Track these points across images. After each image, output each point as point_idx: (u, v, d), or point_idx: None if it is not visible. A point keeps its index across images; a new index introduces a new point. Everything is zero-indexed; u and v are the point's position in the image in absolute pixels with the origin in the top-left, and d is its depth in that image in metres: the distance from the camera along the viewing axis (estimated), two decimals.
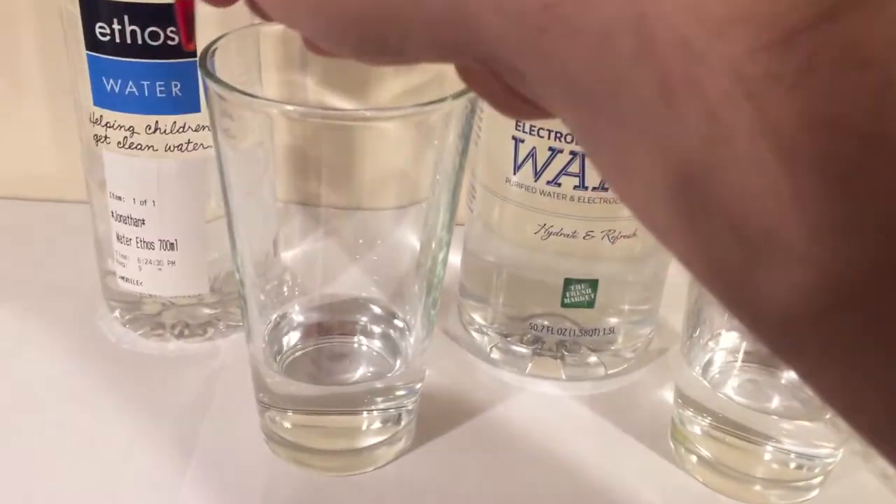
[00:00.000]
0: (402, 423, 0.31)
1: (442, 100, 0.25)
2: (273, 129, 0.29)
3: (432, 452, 0.32)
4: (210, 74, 0.25)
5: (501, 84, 0.16)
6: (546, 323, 0.35)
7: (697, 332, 0.31)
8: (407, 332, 0.31)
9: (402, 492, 0.30)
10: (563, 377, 0.36)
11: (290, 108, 0.25)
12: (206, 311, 0.36)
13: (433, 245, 0.29)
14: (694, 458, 0.32)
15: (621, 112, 0.13)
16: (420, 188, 0.29)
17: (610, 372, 0.36)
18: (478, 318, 0.37)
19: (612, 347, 0.36)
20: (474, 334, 0.37)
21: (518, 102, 0.17)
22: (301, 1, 0.16)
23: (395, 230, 0.30)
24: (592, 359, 0.36)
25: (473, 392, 0.35)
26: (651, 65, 0.12)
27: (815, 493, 0.31)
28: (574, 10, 0.12)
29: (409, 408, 0.31)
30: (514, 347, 0.36)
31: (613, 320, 0.35)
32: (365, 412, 0.30)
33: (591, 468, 0.32)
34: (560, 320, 0.35)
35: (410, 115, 0.26)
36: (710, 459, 0.31)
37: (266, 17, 0.18)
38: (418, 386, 0.31)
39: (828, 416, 0.31)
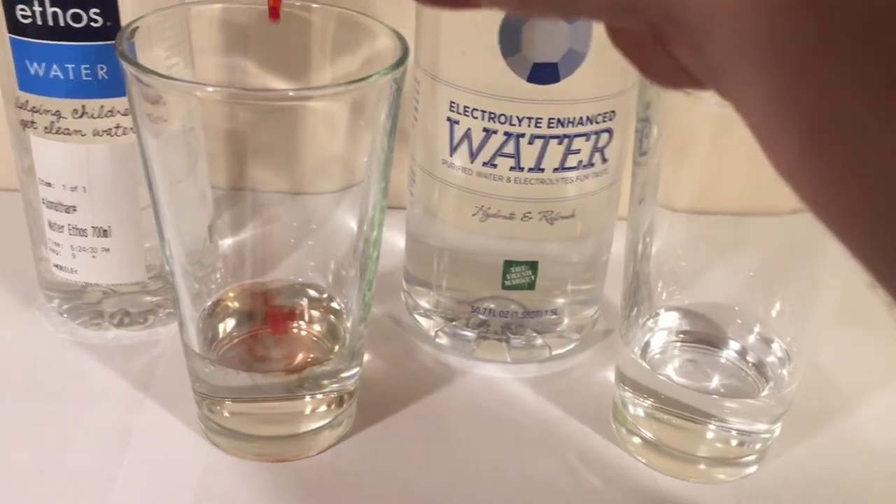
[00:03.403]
0: (343, 407, 0.31)
1: (367, 77, 0.25)
2: (204, 114, 0.29)
3: (373, 437, 0.32)
4: (125, 56, 0.24)
5: (662, 50, 0.16)
6: (491, 306, 0.35)
7: (635, 312, 0.31)
8: (345, 316, 0.31)
9: (342, 477, 0.30)
10: (509, 360, 0.36)
11: (210, 89, 0.25)
12: (149, 298, 0.36)
13: (365, 227, 0.29)
14: (636, 440, 0.32)
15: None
16: (353, 170, 0.28)
17: (555, 353, 0.36)
18: (422, 302, 0.36)
19: (557, 329, 0.36)
20: (420, 319, 0.37)
21: (673, 71, 0.16)
22: None
23: (331, 213, 0.30)
24: (538, 341, 0.36)
25: (417, 376, 0.35)
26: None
27: (754, 468, 0.31)
28: None
29: (350, 390, 0.31)
30: (460, 331, 0.36)
31: (557, 301, 0.35)
32: (304, 397, 0.30)
33: (533, 450, 0.32)
34: (505, 303, 0.35)
35: (337, 94, 0.25)
36: (653, 440, 0.31)
37: None
38: (357, 370, 0.31)
39: (765, 394, 0.31)
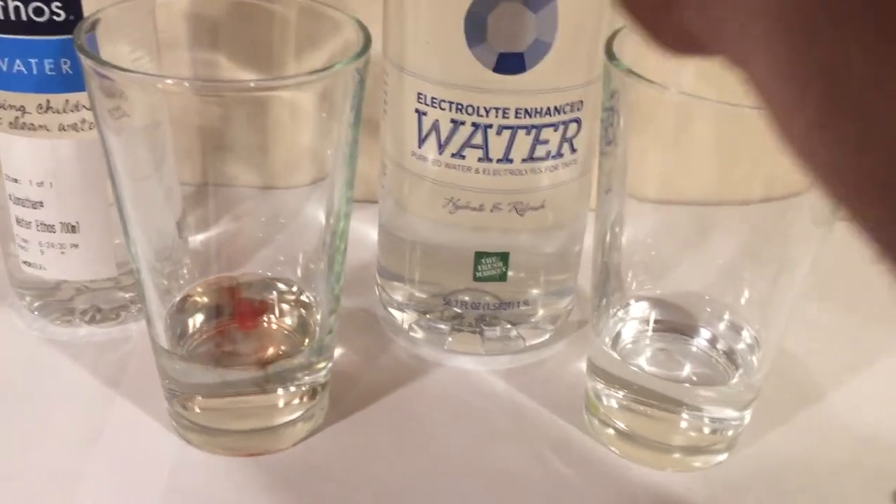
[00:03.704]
0: (315, 400, 0.31)
1: (329, 67, 0.25)
2: (169, 108, 0.28)
3: (346, 430, 0.32)
4: (83, 49, 0.24)
5: (672, 14, 0.15)
6: (465, 298, 0.35)
7: (604, 303, 0.31)
8: (314, 309, 0.31)
9: (314, 471, 0.30)
10: (483, 352, 0.36)
11: (169, 81, 0.25)
12: (122, 294, 0.35)
13: (332, 220, 0.29)
14: (610, 431, 0.32)
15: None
16: (318, 163, 0.28)
17: (529, 344, 0.36)
18: (396, 296, 0.36)
19: (532, 320, 0.36)
20: (394, 312, 0.36)
21: (682, 36, 0.16)
22: None
23: (298, 207, 0.30)
24: (512, 332, 0.36)
25: (391, 369, 0.35)
26: None
27: (726, 455, 0.31)
28: None
29: (321, 384, 0.31)
30: (433, 324, 0.36)
31: (531, 292, 0.35)
32: (274, 391, 0.30)
33: (506, 442, 0.32)
34: (479, 295, 0.35)
35: (298, 85, 0.25)
36: (626, 431, 0.31)
37: None
38: (327, 363, 0.31)
39: (735, 381, 0.31)
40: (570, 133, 0.31)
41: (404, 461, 0.31)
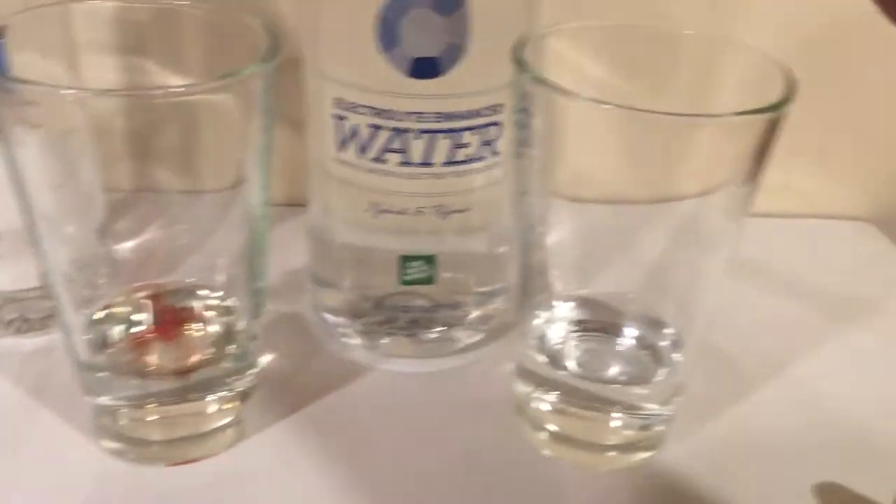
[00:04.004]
0: (242, 407, 0.31)
1: (236, 73, 0.25)
2: (85, 116, 0.28)
3: (275, 437, 0.32)
4: None
5: None
6: (398, 301, 0.35)
7: (529, 305, 0.31)
8: (238, 316, 0.31)
9: (242, 477, 0.30)
10: (416, 355, 0.36)
11: (73, 91, 0.24)
12: (48, 303, 0.35)
13: (252, 225, 0.29)
14: (540, 432, 0.32)
15: None
16: (233, 168, 0.28)
17: (462, 346, 0.36)
18: (327, 300, 0.36)
19: (465, 321, 0.36)
20: (326, 317, 0.36)
21: None
22: None
23: (217, 212, 0.30)
24: (445, 334, 0.36)
25: (323, 374, 0.35)
26: None
27: (653, 453, 0.32)
28: None
29: (248, 390, 0.31)
30: (366, 328, 0.35)
31: (463, 294, 0.35)
32: (198, 400, 0.30)
33: (437, 446, 0.32)
34: (412, 297, 0.35)
35: (207, 91, 0.25)
36: (556, 432, 0.31)
37: None
38: (254, 369, 0.31)
39: (660, 378, 0.31)
40: (490, 136, 0.31)
41: (334, 466, 0.31)
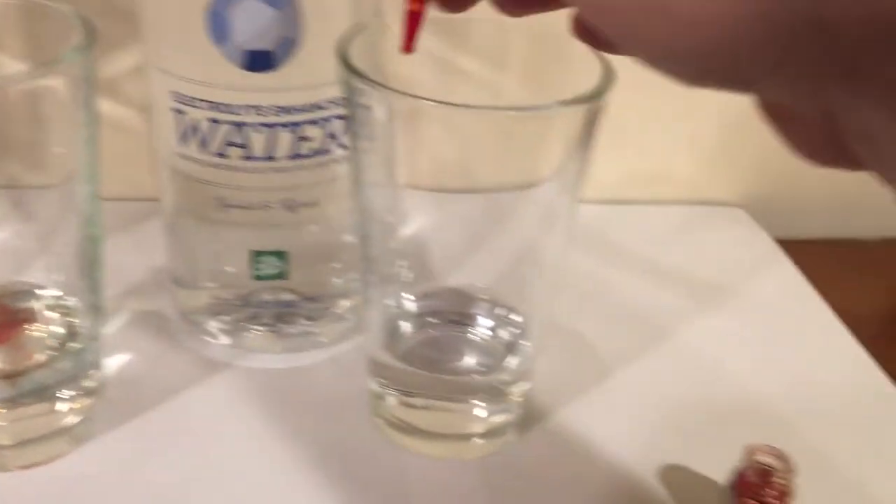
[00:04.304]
0: (87, 408, 0.30)
1: (49, 64, 0.24)
2: None
3: (123, 437, 0.31)
4: None
5: (824, 135, 0.16)
6: (263, 297, 0.34)
7: (376, 298, 0.31)
8: (81, 315, 0.30)
9: (86, 479, 0.29)
10: (279, 350, 0.35)
11: None
12: None
13: (83, 223, 0.28)
14: (393, 427, 0.32)
15: None
16: (58, 164, 0.27)
17: (326, 340, 0.36)
18: (186, 299, 0.36)
19: (328, 315, 0.36)
20: (187, 315, 0.36)
21: (823, 148, 0.16)
22: (668, 20, 0.15)
23: (50, 210, 0.29)
24: (310, 329, 0.36)
25: (180, 373, 0.34)
26: None
27: (511, 437, 0.32)
28: None
29: (92, 390, 0.30)
30: (228, 326, 0.35)
31: (324, 288, 0.35)
32: (39, 402, 0.29)
33: (290, 442, 0.31)
34: (279, 292, 0.35)
35: (19, 83, 0.24)
36: (409, 426, 0.31)
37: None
38: (96, 371, 0.30)
39: (510, 365, 0.32)
40: (335, 129, 0.31)
41: (182, 465, 0.30)
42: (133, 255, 0.40)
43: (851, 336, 0.40)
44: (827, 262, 0.46)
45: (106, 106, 0.43)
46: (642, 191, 0.50)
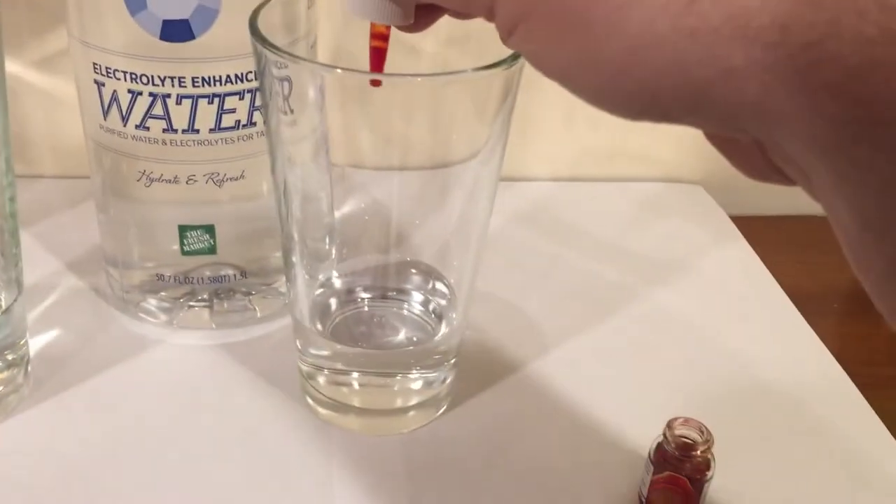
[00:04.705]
0: (18, 381, 0.30)
1: None
2: None
3: (45, 413, 0.31)
4: None
5: (764, 159, 0.17)
6: (205, 273, 0.34)
7: (302, 279, 0.31)
8: (0, 289, 0.30)
9: (4, 454, 0.29)
10: (213, 326, 0.35)
11: None
12: None
13: None
14: (321, 406, 0.31)
15: None
16: None
17: (262, 315, 0.36)
18: (119, 275, 0.35)
19: (271, 290, 0.35)
20: (119, 292, 0.36)
21: (764, 168, 0.18)
22: (598, 70, 0.16)
23: None
24: (245, 304, 0.35)
25: (110, 349, 0.34)
26: None
27: (444, 407, 0.32)
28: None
29: (12, 359, 0.30)
30: (161, 301, 0.35)
31: (260, 263, 0.35)
32: None
33: (214, 417, 0.31)
34: (217, 268, 0.34)
35: None
36: (339, 403, 0.31)
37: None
38: (19, 346, 0.30)
39: (439, 337, 0.31)
40: (259, 101, 0.31)
41: (104, 443, 0.30)
42: (75, 233, 0.40)
43: (799, 313, 0.39)
44: (781, 238, 0.46)
45: (53, 81, 0.43)
46: (598, 168, 0.50)
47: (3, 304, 0.30)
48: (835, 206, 0.16)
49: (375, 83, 0.25)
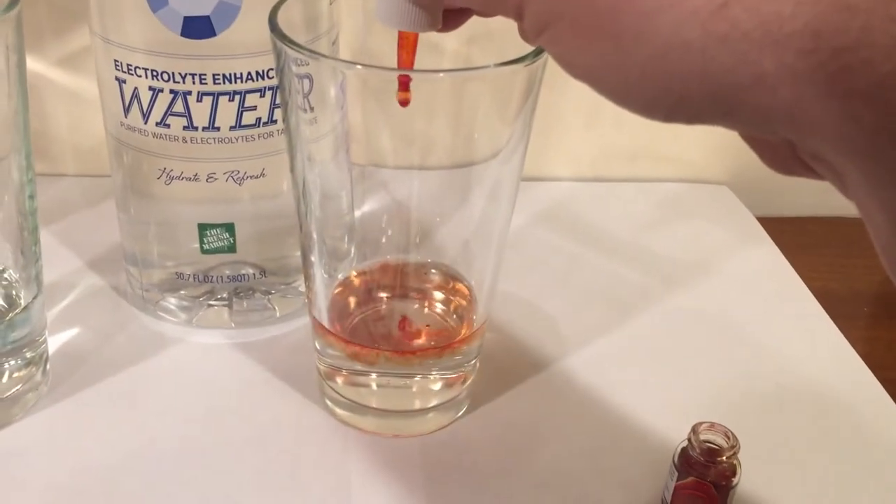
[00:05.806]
0: (37, 378, 0.30)
1: None
2: None
3: (64, 410, 0.31)
4: None
5: (793, 155, 0.17)
6: (220, 273, 0.34)
7: (321, 277, 0.30)
8: (20, 287, 0.30)
9: (21, 453, 0.29)
10: (233, 325, 0.35)
11: None
12: None
13: (17, 198, 0.28)
14: (340, 406, 0.31)
15: None
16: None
17: (281, 315, 0.35)
18: (139, 273, 0.35)
19: (283, 289, 0.35)
20: (139, 291, 0.35)
21: (795, 165, 0.18)
22: (626, 73, 0.17)
23: None
24: (264, 303, 0.35)
25: (129, 348, 0.34)
26: None
27: (464, 408, 0.32)
28: None
29: (31, 357, 0.30)
30: (180, 300, 0.35)
31: (281, 262, 0.34)
32: None
33: (234, 417, 0.31)
34: (237, 267, 0.34)
35: None
36: (356, 404, 0.31)
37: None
38: (38, 343, 0.30)
39: (461, 336, 0.31)
40: (279, 99, 0.30)
41: (121, 441, 0.30)
42: (95, 232, 0.40)
43: (827, 316, 0.39)
44: (809, 240, 0.45)
45: (76, 80, 0.43)
46: (621, 168, 0.49)
47: (23, 301, 0.29)
48: (868, 207, 0.15)
49: (404, 103, 0.24)
